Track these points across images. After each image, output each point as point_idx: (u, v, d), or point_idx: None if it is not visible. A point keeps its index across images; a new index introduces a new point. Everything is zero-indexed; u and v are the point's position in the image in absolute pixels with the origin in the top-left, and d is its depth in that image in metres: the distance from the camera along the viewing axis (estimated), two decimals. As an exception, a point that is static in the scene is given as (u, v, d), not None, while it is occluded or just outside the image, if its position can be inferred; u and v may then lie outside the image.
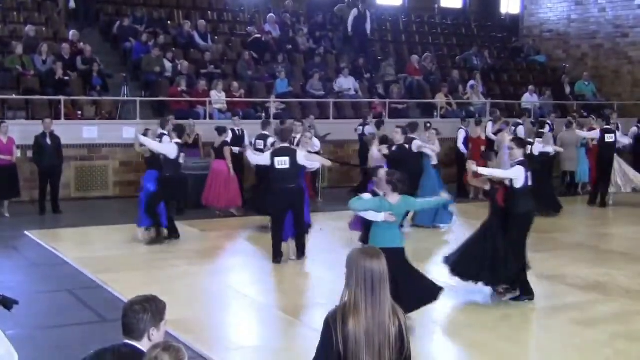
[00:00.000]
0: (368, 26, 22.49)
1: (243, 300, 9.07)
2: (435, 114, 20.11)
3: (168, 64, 18.57)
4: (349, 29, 22.48)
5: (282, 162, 10.58)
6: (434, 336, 7.96)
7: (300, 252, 10.80)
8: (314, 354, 3.78)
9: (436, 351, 7.63)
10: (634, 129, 19.88)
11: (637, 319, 8.48)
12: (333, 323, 3.69)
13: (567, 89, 23.57)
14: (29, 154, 14.71)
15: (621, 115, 21.36)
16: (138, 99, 17.04)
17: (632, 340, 7.72)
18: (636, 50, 23.86)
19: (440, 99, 20.58)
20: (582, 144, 17.65)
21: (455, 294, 8.94)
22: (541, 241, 11.53)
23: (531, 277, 9.09)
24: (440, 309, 8.36)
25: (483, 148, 16.77)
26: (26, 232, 12.41)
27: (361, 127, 17.30)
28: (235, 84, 18.35)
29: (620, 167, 16.32)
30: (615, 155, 16.31)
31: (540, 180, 11.50)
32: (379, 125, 16.82)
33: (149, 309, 3.71)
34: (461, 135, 17.24)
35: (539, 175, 11.63)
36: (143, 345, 3.67)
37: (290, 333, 8.05)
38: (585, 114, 21.19)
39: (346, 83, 20.06)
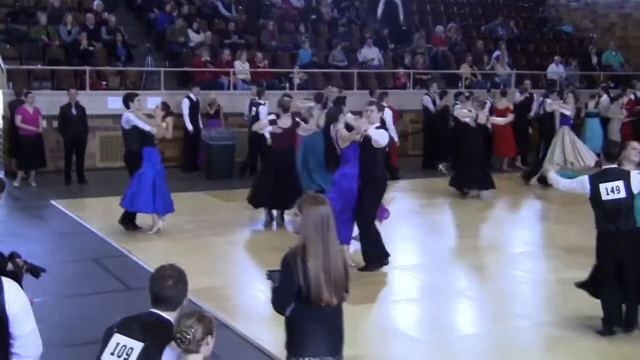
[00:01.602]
0: (401, 14, 22.38)
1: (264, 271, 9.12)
2: (460, 84, 19.98)
3: (192, 34, 18.57)
4: (378, 16, 22.32)
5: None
6: None
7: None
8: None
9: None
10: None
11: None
12: (293, 262, 4.22)
13: (594, 60, 23.29)
14: (55, 124, 14.84)
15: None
16: (162, 69, 17.08)
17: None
18: (665, 20, 23.52)
19: (465, 70, 20.43)
20: None
21: None
22: None
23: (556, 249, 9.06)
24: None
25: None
26: (52, 202, 12.56)
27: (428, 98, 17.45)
28: (259, 54, 18.34)
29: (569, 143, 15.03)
30: (566, 128, 15.18)
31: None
32: (441, 95, 17.19)
33: (182, 280, 3.77)
34: (486, 106, 17.11)
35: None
36: (171, 315, 3.73)
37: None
38: (612, 85, 20.93)
39: (370, 53, 19.96)
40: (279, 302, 4.33)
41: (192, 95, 15.92)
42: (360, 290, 8.57)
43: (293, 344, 4.34)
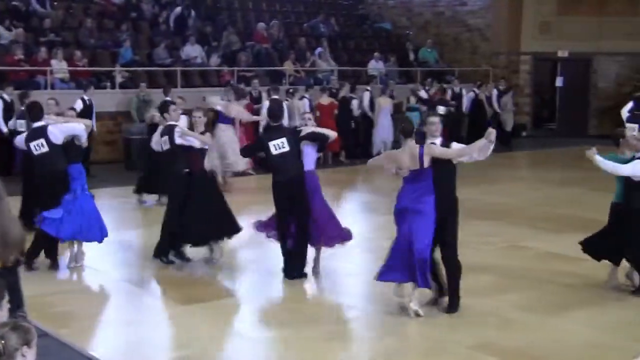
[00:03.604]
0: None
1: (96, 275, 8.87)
2: (284, 81, 20.19)
3: (3, 31, 17.68)
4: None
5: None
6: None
7: None
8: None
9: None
10: (471, 94, 20.88)
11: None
12: None
13: (412, 56, 24.22)
14: None
15: (461, 81, 22.20)
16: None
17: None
18: (474, 19, 24.80)
19: (288, 67, 20.67)
20: None
21: None
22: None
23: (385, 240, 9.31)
24: None
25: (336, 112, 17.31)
26: None
27: None
28: (78, 53, 17.73)
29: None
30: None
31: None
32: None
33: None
34: (306, 103, 17.44)
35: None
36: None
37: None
38: (429, 80, 21.85)
39: (193, 51, 19.77)
40: None
41: (5, 96, 15.17)
42: (189, 290, 8.51)
43: None
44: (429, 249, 7.25)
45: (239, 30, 22.28)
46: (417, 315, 7.29)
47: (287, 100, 17.16)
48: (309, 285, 8.67)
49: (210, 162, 11.49)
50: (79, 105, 14.72)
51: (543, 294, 8.13)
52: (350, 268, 9.39)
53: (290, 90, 17.62)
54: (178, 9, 21.29)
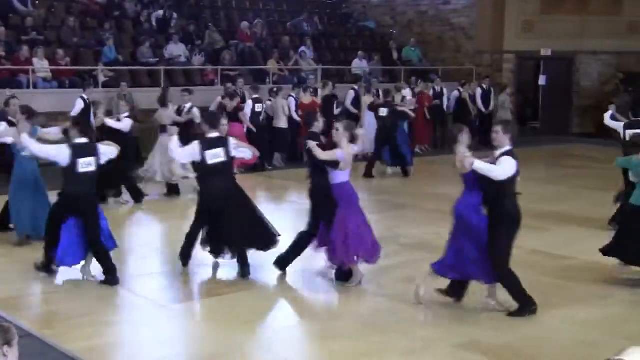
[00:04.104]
0: None
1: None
2: (268, 80, 20.16)
3: (-15, 31, 17.55)
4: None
5: None
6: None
7: None
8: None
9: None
10: (455, 93, 20.93)
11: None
12: None
13: (395, 55, 24.24)
14: None
15: (445, 79, 22.24)
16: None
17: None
18: (458, 17, 24.84)
19: (272, 66, 20.64)
20: None
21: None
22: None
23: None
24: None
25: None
26: None
27: None
28: (60, 52, 17.62)
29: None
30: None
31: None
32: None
33: None
34: (292, 102, 17.43)
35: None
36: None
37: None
38: (413, 78, 21.86)
39: (177, 50, 19.70)
40: None
41: (-13, 95, 15.03)
42: (172, 290, 8.49)
43: None
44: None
45: (222, 29, 22.22)
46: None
47: (270, 100, 17.13)
48: (290, 285, 8.65)
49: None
50: (79, 105, 14.56)
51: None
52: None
53: (275, 89, 17.57)
54: (160, 12, 21.17)
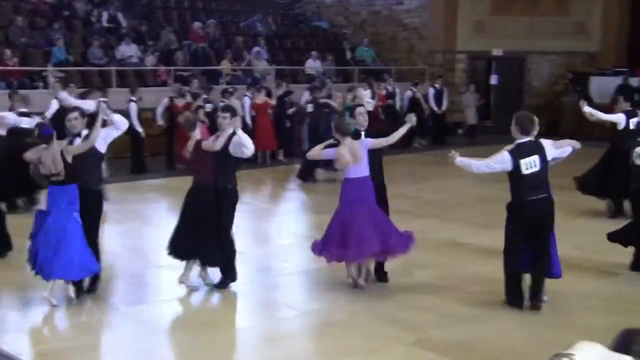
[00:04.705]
0: None
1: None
2: (221, 80, 20.05)
3: None
4: None
5: None
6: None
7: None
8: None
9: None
10: (409, 92, 21.06)
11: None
12: None
13: (349, 55, 24.31)
14: None
15: (398, 79, 22.38)
16: None
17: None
18: (410, 18, 25.01)
19: (225, 66, 20.54)
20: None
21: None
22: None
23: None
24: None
25: (270, 111, 17.25)
26: None
27: None
28: (8, 52, 17.32)
29: None
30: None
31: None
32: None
33: None
34: (247, 102, 17.36)
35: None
36: None
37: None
38: (365, 79, 21.95)
39: (128, 50, 19.50)
40: None
41: None
42: (129, 290, 8.39)
43: None
44: None
45: (175, 29, 22.05)
46: None
47: (223, 101, 17.00)
48: (245, 285, 8.60)
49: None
50: (54, 106, 14.05)
51: (481, 289, 8.23)
52: (288, 267, 9.37)
53: (230, 90, 17.42)
54: (105, 14, 20.91)
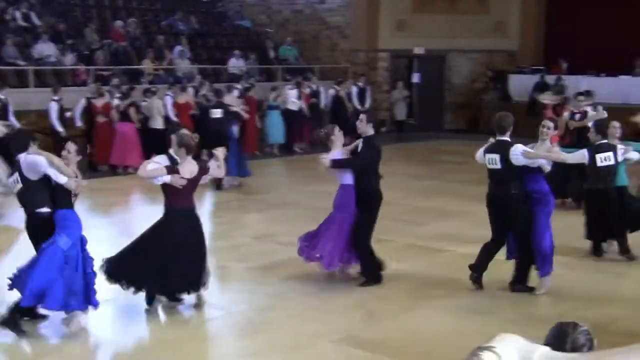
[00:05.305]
0: None
1: None
2: (143, 80, 19.77)
3: None
4: None
5: None
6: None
7: None
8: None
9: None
10: (332, 91, 21.16)
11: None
12: None
13: (272, 54, 24.27)
14: None
15: (321, 78, 22.45)
16: None
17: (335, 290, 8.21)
18: (333, 16, 25.11)
19: (147, 65, 20.27)
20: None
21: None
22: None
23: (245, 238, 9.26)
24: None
25: (191, 112, 17.02)
26: None
27: None
28: None
29: None
30: None
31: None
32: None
33: None
34: (168, 101, 17.16)
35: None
36: None
37: None
38: (289, 78, 21.96)
39: (46, 49, 19.04)
40: None
41: None
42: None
43: None
44: None
45: (95, 27, 21.62)
46: None
47: (145, 101, 16.76)
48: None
49: None
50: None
51: (405, 285, 8.32)
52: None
53: (153, 89, 17.13)
54: (18, 13, 20.39)
